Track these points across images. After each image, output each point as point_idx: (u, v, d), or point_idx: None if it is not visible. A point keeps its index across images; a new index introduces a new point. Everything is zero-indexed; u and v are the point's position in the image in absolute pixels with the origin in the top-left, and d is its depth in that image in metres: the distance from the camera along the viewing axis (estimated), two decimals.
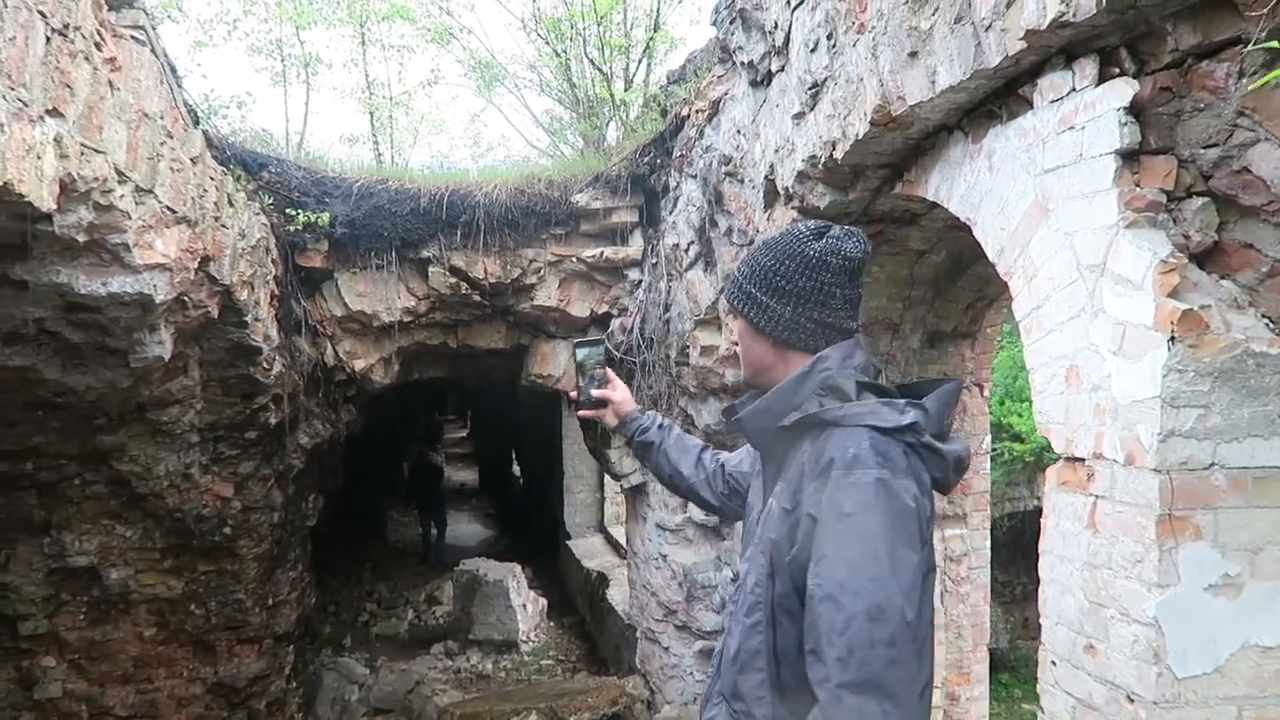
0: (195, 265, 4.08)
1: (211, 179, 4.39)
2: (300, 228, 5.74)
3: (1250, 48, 1.98)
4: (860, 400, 1.60)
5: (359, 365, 6.27)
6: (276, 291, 5.48)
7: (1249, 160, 2.15)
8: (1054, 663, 2.47)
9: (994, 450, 10.87)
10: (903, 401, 1.60)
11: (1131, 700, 2.17)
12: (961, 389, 1.69)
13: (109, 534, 5.66)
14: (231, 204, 4.69)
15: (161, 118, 3.71)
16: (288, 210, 5.73)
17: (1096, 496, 2.32)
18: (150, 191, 3.56)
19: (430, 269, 6.03)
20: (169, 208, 3.75)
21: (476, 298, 6.18)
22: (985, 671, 4.58)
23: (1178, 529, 2.11)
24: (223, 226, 4.47)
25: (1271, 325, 2.20)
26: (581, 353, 2.44)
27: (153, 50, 3.76)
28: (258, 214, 5.23)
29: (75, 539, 5.58)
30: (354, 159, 8.20)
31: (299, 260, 5.89)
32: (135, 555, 5.77)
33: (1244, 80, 2.08)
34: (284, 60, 10.11)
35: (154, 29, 3.92)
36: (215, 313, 4.53)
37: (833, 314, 1.70)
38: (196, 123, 4.85)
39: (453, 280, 6.05)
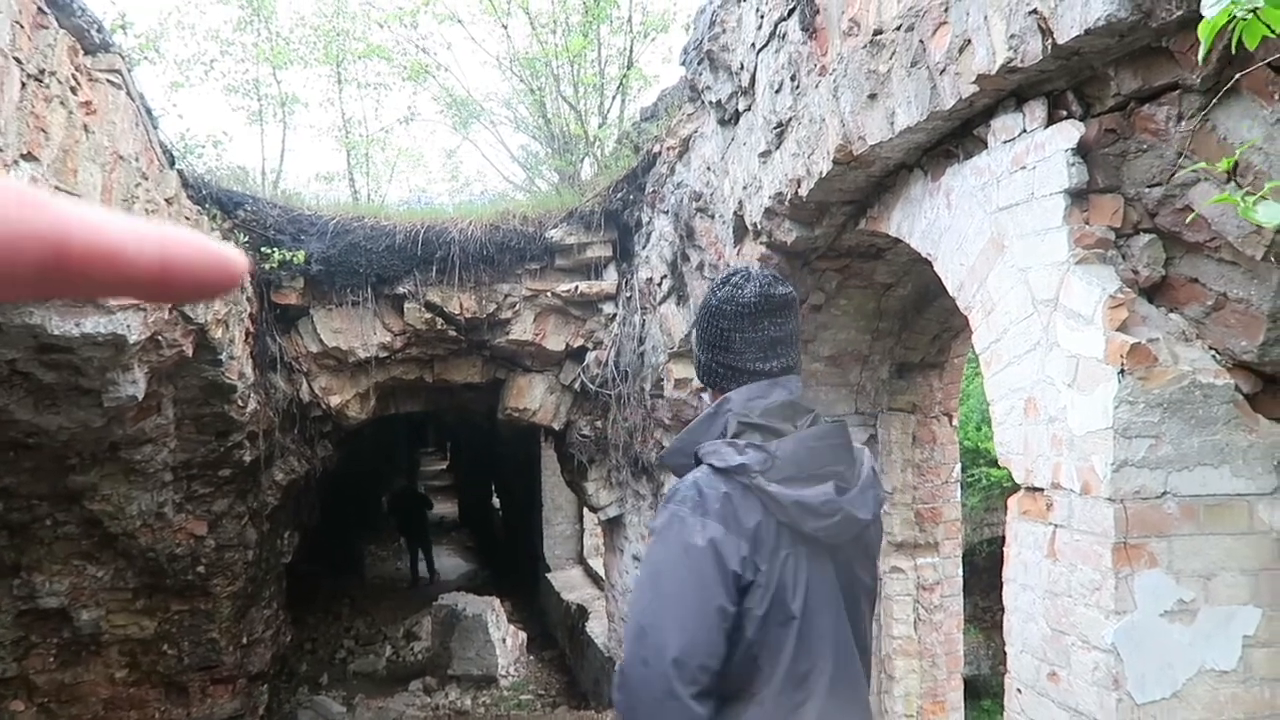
0: (170, 305, 4.09)
1: (186, 219, 4.42)
2: (276, 265, 5.75)
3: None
4: (741, 438, 1.64)
5: (335, 401, 6.26)
6: (252, 329, 5.48)
7: (1191, 199, 2.24)
8: (1019, 690, 2.51)
9: (971, 476, 10.98)
10: (743, 443, 1.61)
11: None
12: (842, 430, 1.70)
13: (80, 574, 5.60)
14: None
15: (137, 159, 3.74)
16: (263, 248, 5.75)
17: (1056, 525, 2.38)
18: None
19: (406, 305, 6.06)
20: None
21: (452, 333, 6.20)
22: (960, 699, 4.61)
23: (1133, 557, 2.17)
24: None
25: (1218, 357, 2.28)
26: None
27: (128, 93, 3.80)
28: None
29: (46, 580, 5.51)
30: (330, 196, 8.26)
31: (275, 298, 5.89)
32: (107, 596, 5.70)
33: (1183, 123, 2.18)
34: (260, 99, 10.17)
35: (130, 72, 3.96)
36: (189, 351, 4.54)
37: (736, 357, 1.74)
38: (172, 163, 4.87)
39: (428, 316, 6.08)
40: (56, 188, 3.03)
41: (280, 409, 5.89)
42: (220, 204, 5.68)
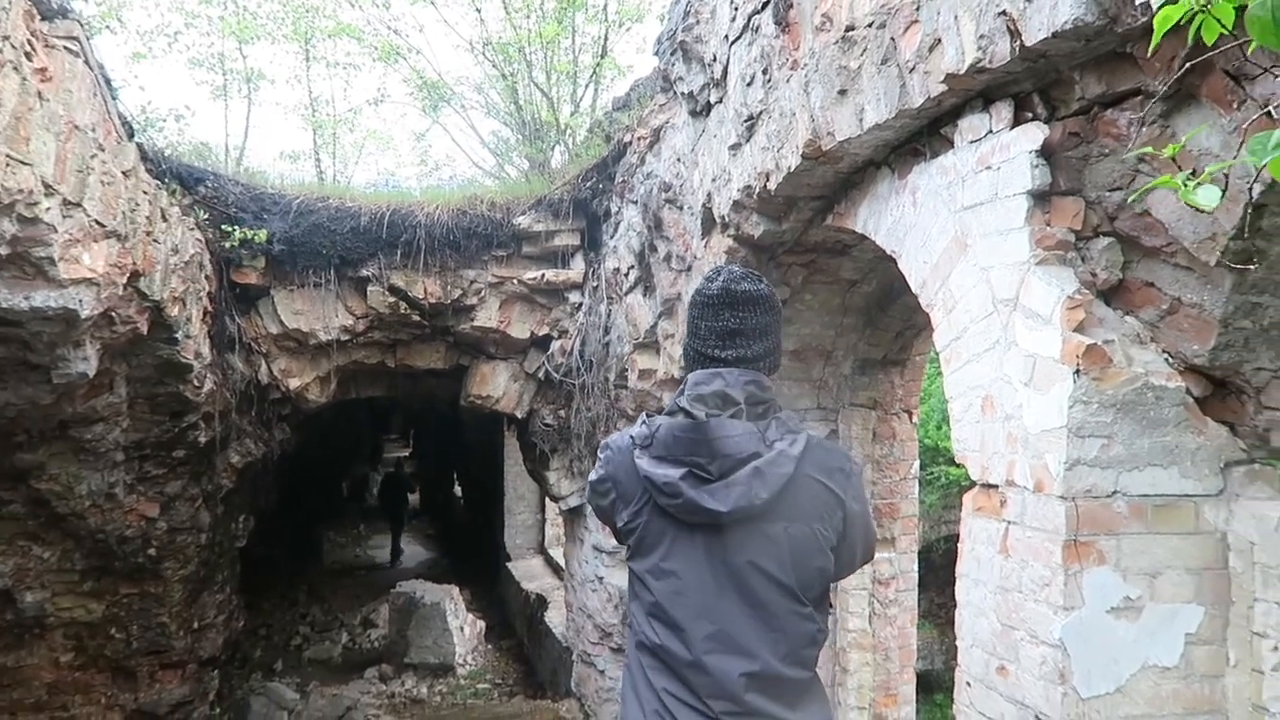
0: (124, 280, 3.99)
1: (145, 193, 4.31)
2: (236, 244, 5.65)
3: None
4: (664, 416, 1.94)
5: (294, 384, 6.17)
6: (210, 308, 5.38)
7: (1150, 204, 2.28)
8: (969, 684, 2.55)
9: (930, 474, 11.11)
10: (654, 420, 1.94)
11: None
12: (723, 425, 1.86)
13: (25, 555, 5.46)
14: (165, 219, 4.60)
15: (93, 130, 3.64)
16: (224, 226, 5.64)
17: (1009, 522, 2.41)
18: (79, 205, 3.49)
19: (369, 288, 5.99)
20: (98, 221, 3.67)
21: (416, 317, 6.14)
22: (912, 692, 4.67)
23: (1082, 554, 2.21)
24: (155, 241, 4.39)
25: (1170, 360, 2.33)
26: None
27: (86, 61, 3.70)
28: (192, 229, 5.14)
29: None
30: (295, 176, 8.11)
31: (234, 277, 5.79)
32: (53, 577, 5.57)
33: (1144, 129, 2.21)
34: (225, 74, 9.97)
35: (89, 40, 3.86)
36: (144, 329, 4.43)
37: (701, 343, 1.95)
38: (131, 135, 4.76)
39: (392, 300, 6.01)
40: (8, 156, 2.94)
41: (238, 390, 5.79)
42: (180, 179, 5.56)
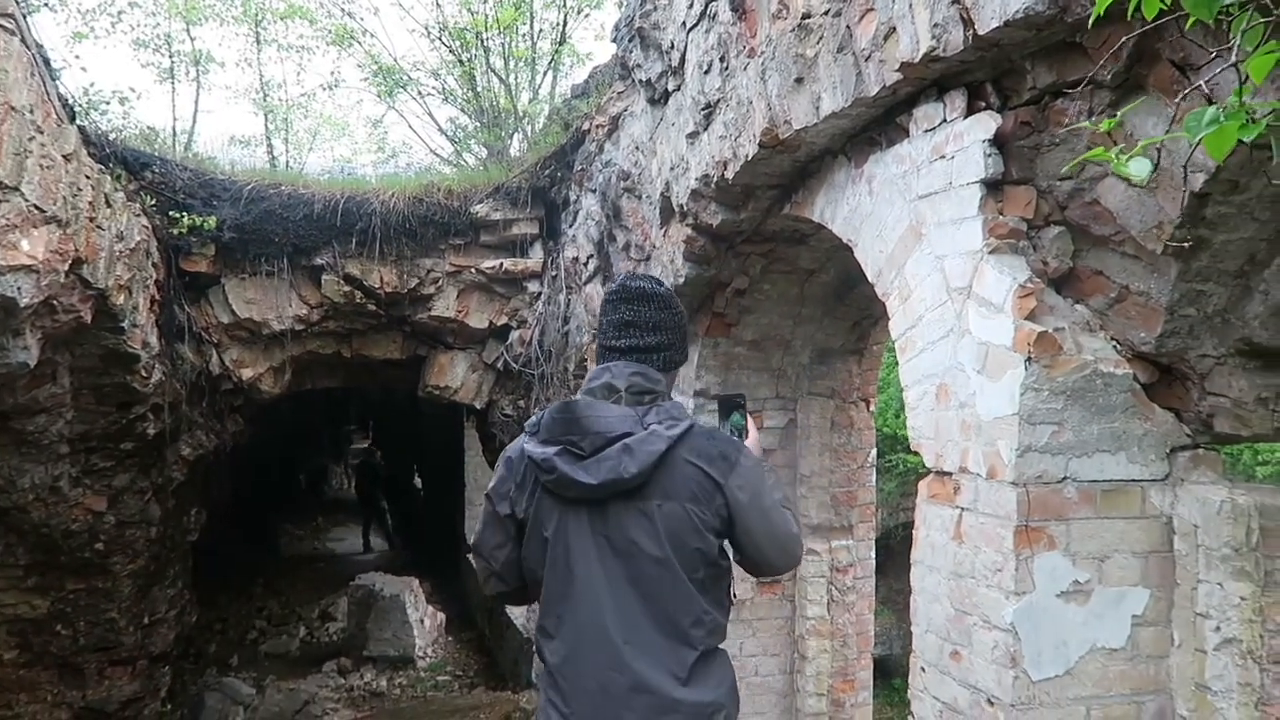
0: (66, 268, 3.87)
1: (87, 178, 4.18)
2: (185, 231, 5.51)
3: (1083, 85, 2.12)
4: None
5: (247, 374, 6.05)
6: (158, 297, 5.24)
7: (1099, 193, 2.31)
8: (923, 669, 2.57)
9: (889, 462, 11.24)
10: (542, 411, 2.11)
11: (991, 703, 2.28)
12: (591, 405, 2.02)
13: None
14: (109, 204, 4.47)
15: (31, 111, 3.52)
16: (172, 213, 5.50)
17: (962, 509, 2.43)
18: (15, 189, 3.37)
19: (324, 276, 5.88)
20: (37, 206, 3.55)
21: (372, 307, 6.05)
22: (870, 678, 4.72)
23: (1033, 539, 2.24)
24: (98, 228, 4.26)
25: (1118, 347, 2.36)
26: (733, 416, 2.44)
27: (23, 40, 3.57)
28: (138, 215, 5.01)
29: None
30: (247, 162, 7.93)
31: (183, 265, 5.65)
32: None
33: (1093, 117, 2.23)
34: (172, 56, 9.71)
35: (26, 18, 3.73)
36: (88, 318, 4.31)
37: (603, 335, 2.14)
38: (72, 118, 4.61)
39: (347, 289, 5.91)
40: None
41: (188, 381, 5.66)
42: (125, 164, 5.41)
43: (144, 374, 4.98)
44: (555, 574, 2.00)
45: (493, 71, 8.14)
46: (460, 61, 8.29)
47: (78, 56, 11.07)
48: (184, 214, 5.50)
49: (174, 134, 8.53)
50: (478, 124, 8.49)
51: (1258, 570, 2.17)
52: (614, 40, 4.79)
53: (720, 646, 2.06)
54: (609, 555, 1.96)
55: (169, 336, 5.46)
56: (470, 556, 2.30)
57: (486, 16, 7.80)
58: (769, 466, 2.47)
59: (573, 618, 1.98)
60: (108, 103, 6.15)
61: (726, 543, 2.03)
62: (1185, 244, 2.01)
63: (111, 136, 5.62)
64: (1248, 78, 1.17)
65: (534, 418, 2.09)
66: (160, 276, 5.30)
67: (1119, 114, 1.60)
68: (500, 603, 2.35)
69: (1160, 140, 1.53)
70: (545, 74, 8.81)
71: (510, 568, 2.10)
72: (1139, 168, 1.28)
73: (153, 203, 5.40)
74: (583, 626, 1.97)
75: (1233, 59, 1.19)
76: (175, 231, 5.49)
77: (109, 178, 4.65)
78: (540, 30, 8.73)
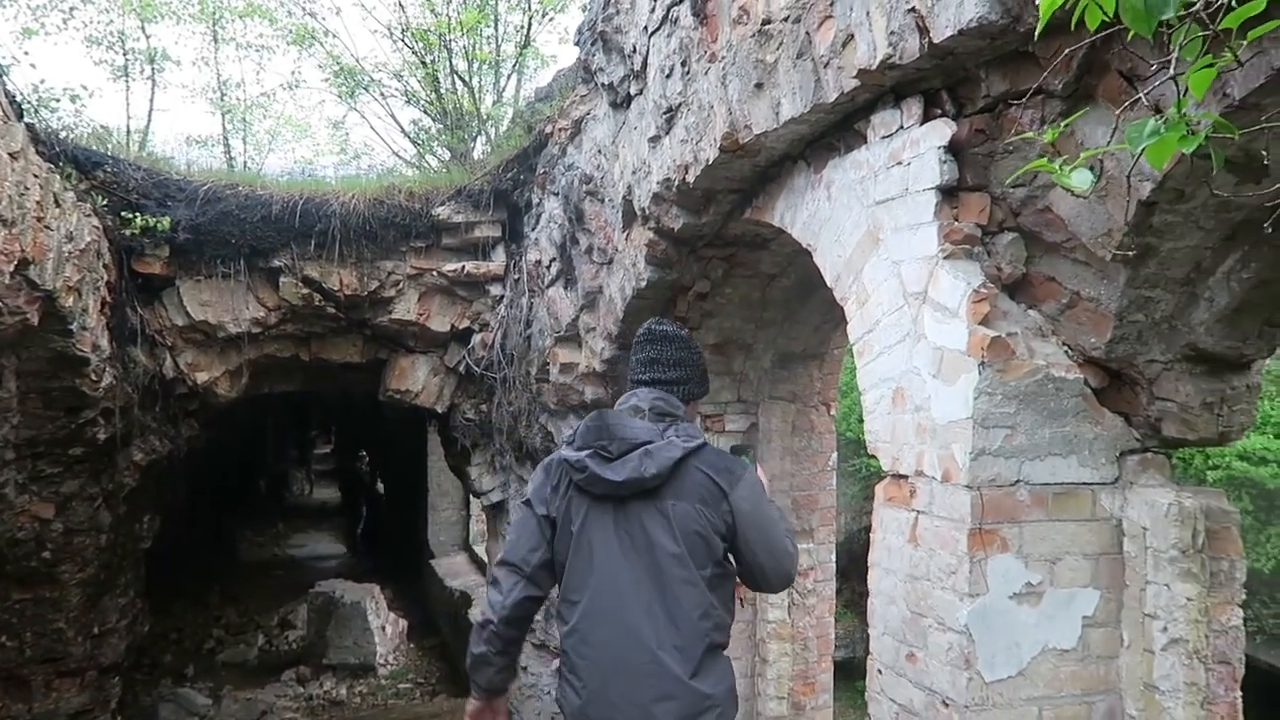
0: (11, 268, 3.77)
1: (35, 176, 4.08)
2: (138, 232, 5.39)
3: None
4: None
5: (202, 378, 5.93)
6: (109, 299, 5.13)
7: (1050, 200, 2.34)
8: (880, 670, 2.59)
9: (853, 466, 11.31)
10: (585, 419, 2.45)
11: (946, 705, 2.30)
12: (619, 417, 2.43)
13: None
14: (58, 204, 4.37)
15: None
16: (124, 213, 5.38)
17: (918, 512, 2.45)
18: None
19: (281, 279, 5.79)
20: None
21: (331, 310, 5.97)
22: (830, 680, 4.74)
23: (987, 541, 2.26)
24: (46, 228, 4.16)
25: (1069, 352, 2.40)
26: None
27: None
28: (89, 215, 4.89)
29: None
30: (204, 162, 7.80)
31: (136, 266, 5.52)
32: None
33: (1045, 126, 2.26)
34: (126, 54, 9.50)
35: None
36: (35, 320, 4.20)
37: (631, 371, 2.54)
38: (20, 116, 4.50)
39: (306, 291, 5.82)
40: None
41: (140, 385, 5.53)
42: (77, 163, 5.28)
43: (94, 377, 4.87)
44: (578, 563, 2.29)
45: (456, 74, 8.08)
46: (423, 63, 8.23)
47: (27, 53, 10.82)
48: (137, 214, 5.38)
49: (128, 133, 8.35)
50: (440, 126, 8.42)
51: (1204, 571, 2.21)
52: (577, 44, 4.77)
53: (725, 649, 2.31)
54: (629, 548, 2.25)
55: (121, 339, 5.34)
56: (491, 576, 2.43)
57: (450, 18, 7.74)
58: (773, 500, 2.64)
59: (591, 603, 2.26)
60: (58, 100, 6.00)
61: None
62: (1130, 252, 2.04)
63: (62, 135, 5.48)
64: (1187, 90, 1.19)
65: (570, 431, 2.52)
66: (112, 278, 5.18)
67: (1064, 123, 1.62)
68: (513, 626, 2.42)
69: (1103, 151, 1.56)
70: (510, 77, 8.78)
71: (543, 572, 2.35)
72: (1081, 179, 1.30)
73: (104, 203, 5.28)
74: (602, 611, 2.24)
75: (1172, 71, 1.21)
76: (128, 232, 5.37)
77: (58, 177, 4.54)
78: (504, 33, 8.70)
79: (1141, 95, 1.56)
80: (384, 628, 10.17)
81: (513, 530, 2.44)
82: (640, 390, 2.43)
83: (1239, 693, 2.26)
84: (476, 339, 6.11)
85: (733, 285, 4.32)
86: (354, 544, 15.77)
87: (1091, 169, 1.32)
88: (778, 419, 4.71)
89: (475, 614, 9.09)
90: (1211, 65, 1.15)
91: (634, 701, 2.15)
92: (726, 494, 2.24)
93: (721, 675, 2.25)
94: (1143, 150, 1.15)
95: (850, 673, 10.43)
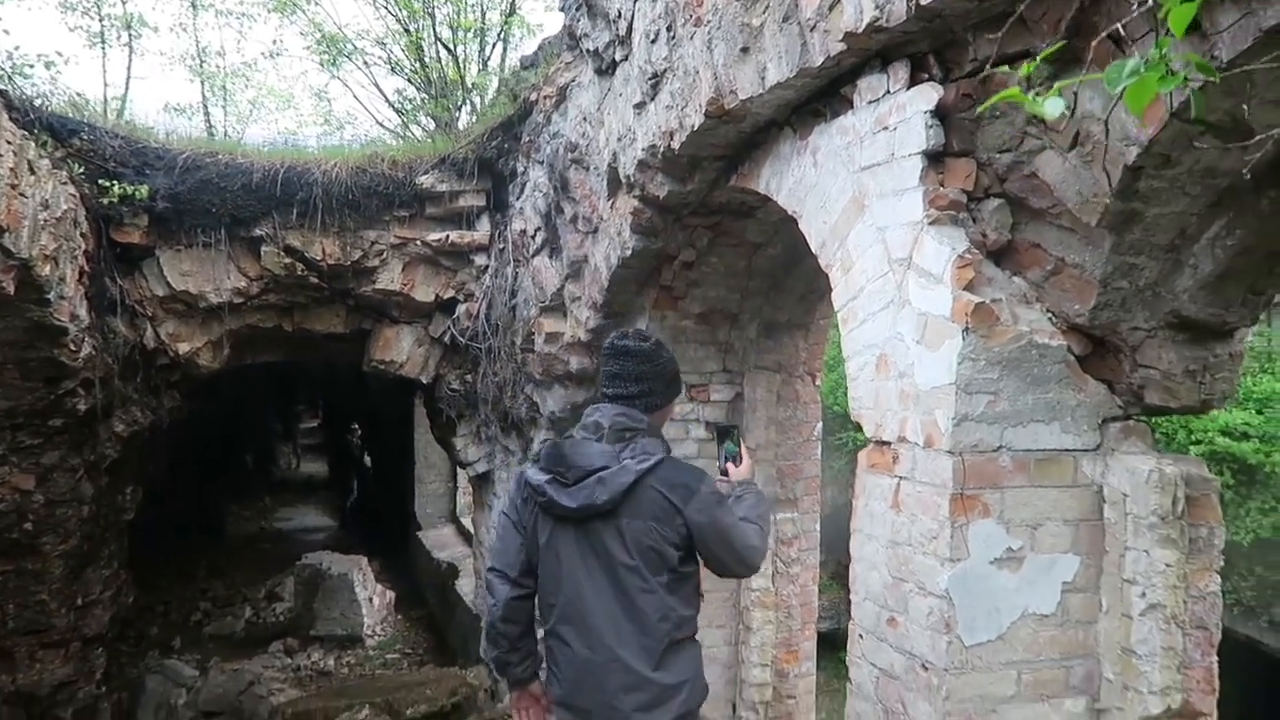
0: None
1: (9, 144, 4.01)
2: (116, 200, 5.31)
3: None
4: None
5: (183, 348, 5.87)
6: (87, 268, 5.05)
7: (1037, 166, 2.33)
8: (861, 636, 2.61)
9: (840, 439, 11.35)
10: (547, 444, 2.66)
11: (926, 668, 2.31)
12: (581, 444, 2.58)
13: None
14: (33, 171, 4.29)
15: None
16: (102, 181, 5.29)
17: (900, 478, 2.45)
18: None
19: (263, 248, 5.72)
20: None
21: (314, 279, 5.90)
22: (813, 649, 4.78)
23: (969, 507, 2.27)
24: (21, 195, 4.09)
25: (1053, 319, 2.39)
26: (726, 444, 2.87)
27: None
28: (65, 184, 4.81)
29: None
30: (183, 131, 7.66)
31: (115, 235, 5.44)
32: None
33: (1032, 91, 2.24)
34: (102, 20, 9.32)
35: None
36: (11, 289, 4.14)
37: (600, 386, 2.68)
38: None
39: (288, 260, 5.76)
40: None
41: (120, 355, 5.47)
42: (52, 130, 5.18)
43: (73, 347, 4.81)
44: (548, 574, 2.53)
45: (440, 42, 7.96)
46: (406, 30, 8.10)
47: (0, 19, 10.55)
48: (115, 183, 5.29)
49: (105, 101, 8.21)
50: (425, 95, 8.31)
51: (1182, 538, 2.23)
52: (562, 9, 4.70)
53: (691, 638, 2.52)
54: (591, 561, 2.46)
55: (100, 309, 5.27)
56: (485, 581, 2.65)
57: None
58: (755, 486, 2.77)
59: (563, 609, 2.50)
60: (32, 66, 5.88)
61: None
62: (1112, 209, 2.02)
63: (37, 102, 5.36)
64: (1168, 30, 1.17)
65: (538, 448, 2.74)
66: (90, 247, 5.11)
67: (1037, 59, 1.60)
68: (512, 623, 2.69)
69: (1078, 81, 1.53)
70: (495, 45, 8.65)
71: (527, 573, 2.58)
72: (1053, 107, 1.29)
73: (81, 171, 5.19)
74: (571, 615, 2.48)
75: (1149, 3, 1.19)
76: (106, 201, 5.28)
77: (34, 144, 4.46)
78: (489, 1, 8.58)
79: (1130, 54, 1.53)
80: (371, 599, 10.18)
81: (497, 538, 2.68)
82: (604, 406, 2.58)
83: (1215, 658, 2.28)
84: (461, 309, 6.07)
85: (718, 254, 4.30)
86: (343, 517, 15.75)
87: (1066, 106, 1.31)
88: (763, 389, 4.71)
89: (462, 586, 9.13)
90: (1191, 1, 1.14)
91: (604, 691, 2.42)
92: (680, 510, 2.41)
93: (685, 666, 2.47)
94: (1122, 91, 1.13)
95: (835, 644, 10.54)
